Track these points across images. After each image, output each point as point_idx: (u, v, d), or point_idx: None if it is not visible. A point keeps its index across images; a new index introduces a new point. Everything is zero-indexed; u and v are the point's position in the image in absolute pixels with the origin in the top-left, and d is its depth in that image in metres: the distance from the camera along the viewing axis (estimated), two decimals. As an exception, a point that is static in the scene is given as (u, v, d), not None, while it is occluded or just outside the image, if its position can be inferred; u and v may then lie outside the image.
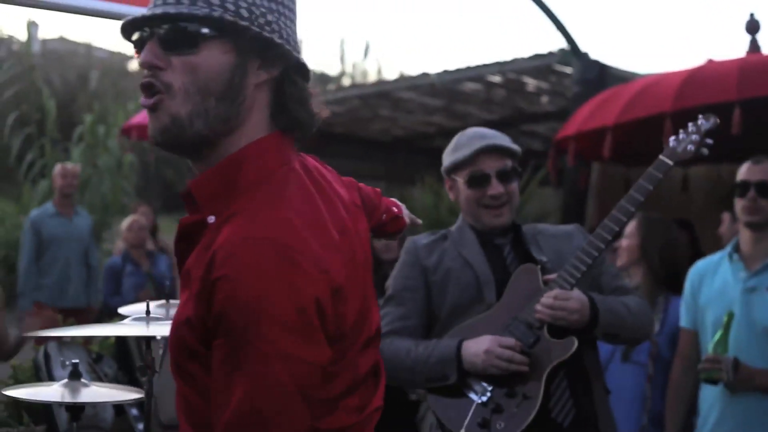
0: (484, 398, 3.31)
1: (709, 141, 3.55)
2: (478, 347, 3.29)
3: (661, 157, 3.53)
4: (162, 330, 3.04)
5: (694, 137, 3.54)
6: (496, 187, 3.44)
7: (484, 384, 3.32)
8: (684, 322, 4.41)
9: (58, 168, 9.02)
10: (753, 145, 7.08)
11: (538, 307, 3.30)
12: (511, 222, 3.53)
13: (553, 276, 3.36)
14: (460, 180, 3.52)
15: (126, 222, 9.13)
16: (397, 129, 12.67)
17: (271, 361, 1.64)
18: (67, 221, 8.97)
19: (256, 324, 1.63)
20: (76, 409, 3.82)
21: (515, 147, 3.52)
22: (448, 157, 3.58)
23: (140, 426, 4.73)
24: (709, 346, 4.01)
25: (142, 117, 12.56)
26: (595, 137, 6.44)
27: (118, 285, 8.74)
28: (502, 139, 3.52)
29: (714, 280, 4.17)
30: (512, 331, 3.34)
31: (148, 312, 3.13)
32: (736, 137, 5.77)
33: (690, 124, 3.57)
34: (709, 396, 4.16)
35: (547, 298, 3.30)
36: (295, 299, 1.65)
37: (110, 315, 8.02)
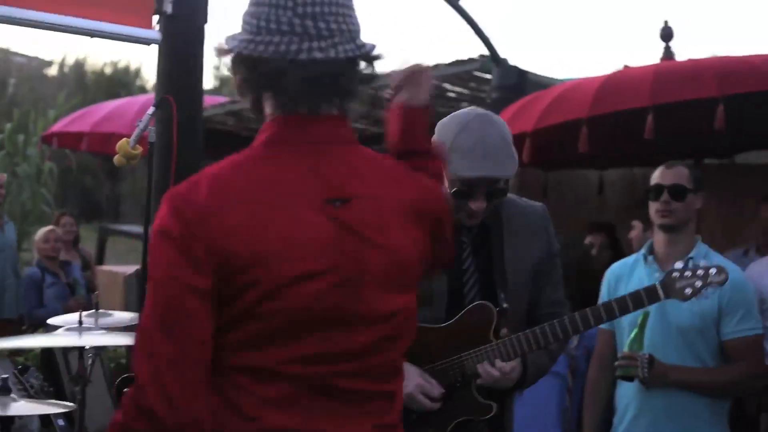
0: None
1: (708, 293, 3.61)
2: (405, 382, 3.26)
3: (656, 284, 3.57)
4: (94, 340, 3.06)
5: (698, 283, 3.53)
6: (479, 204, 3.25)
7: None
8: None
9: None
10: (665, 150, 7.33)
11: (482, 371, 3.27)
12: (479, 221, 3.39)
13: (506, 333, 3.31)
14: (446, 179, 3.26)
15: (42, 232, 9.03)
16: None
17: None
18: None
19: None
20: (5, 422, 3.85)
21: (512, 169, 3.30)
22: (444, 143, 3.25)
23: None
24: (624, 345, 4.14)
25: (62, 125, 12.50)
26: (514, 143, 6.53)
27: (40, 296, 8.65)
28: (501, 165, 3.25)
29: (630, 281, 4.26)
30: (446, 371, 3.32)
31: (80, 322, 3.15)
32: (650, 141, 5.93)
33: (701, 265, 3.59)
34: (626, 393, 4.26)
35: (495, 371, 3.26)
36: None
37: (34, 326, 7.98)
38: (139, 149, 4.12)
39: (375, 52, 2.12)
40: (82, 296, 8.35)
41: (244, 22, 2.09)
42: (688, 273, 3.57)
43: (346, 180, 2.08)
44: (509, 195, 3.47)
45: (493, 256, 3.42)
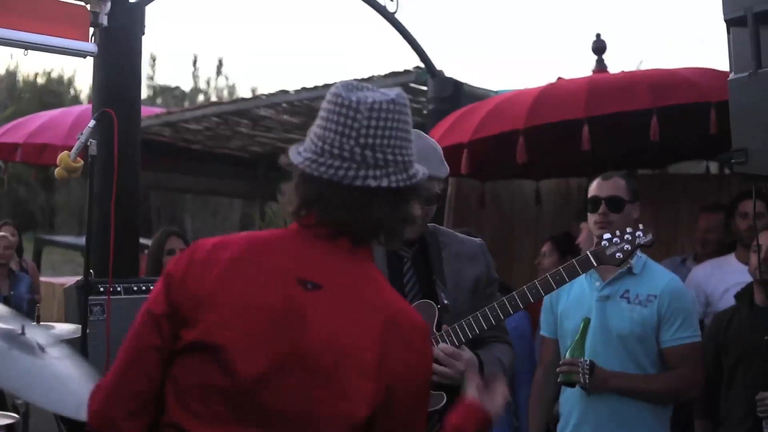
0: None
1: (640, 255, 3.70)
2: None
3: (588, 253, 3.68)
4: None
5: (626, 247, 3.67)
6: (416, 210, 3.36)
7: None
8: (544, 330, 4.59)
9: None
10: (601, 160, 7.45)
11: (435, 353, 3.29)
12: (419, 234, 3.51)
13: (447, 327, 3.40)
14: None
15: None
16: (256, 146, 12.70)
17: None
18: None
19: None
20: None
21: (443, 172, 3.44)
22: None
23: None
24: (566, 351, 4.21)
25: (-1, 137, 12.34)
26: (451, 154, 6.59)
27: None
28: (432, 167, 3.26)
29: (571, 290, 4.33)
30: None
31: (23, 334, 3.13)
32: (585, 152, 6.02)
33: (628, 232, 3.71)
34: (570, 398, 4.33)
35: (438, 351, 3.33)
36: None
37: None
38: (80, 162, 4.13)
39: (422, 180, 2.25)
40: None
41: (310, 140, 2.21)
42: (616, 240, 3.70)
43: (325, 271, 2.19)
44: (447, 229, 3.67)
45: (433, 267, 3.50)
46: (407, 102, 2.25)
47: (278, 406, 2.09)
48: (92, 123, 4.23)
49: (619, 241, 3.73)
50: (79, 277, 4.96)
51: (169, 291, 2.18)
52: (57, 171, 4.12)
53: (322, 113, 2.22)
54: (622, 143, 7.45)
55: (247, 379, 2.08)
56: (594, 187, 4.37)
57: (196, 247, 2.25)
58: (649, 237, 3.74)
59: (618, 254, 3.72)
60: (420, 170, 2.25)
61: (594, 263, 3.68)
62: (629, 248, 3.71)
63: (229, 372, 2.08)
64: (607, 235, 3.79)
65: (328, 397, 2.09)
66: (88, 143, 4.18)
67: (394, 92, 2.23)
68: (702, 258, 6.30)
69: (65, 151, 4.11)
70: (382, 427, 2.16)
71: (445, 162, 3.48)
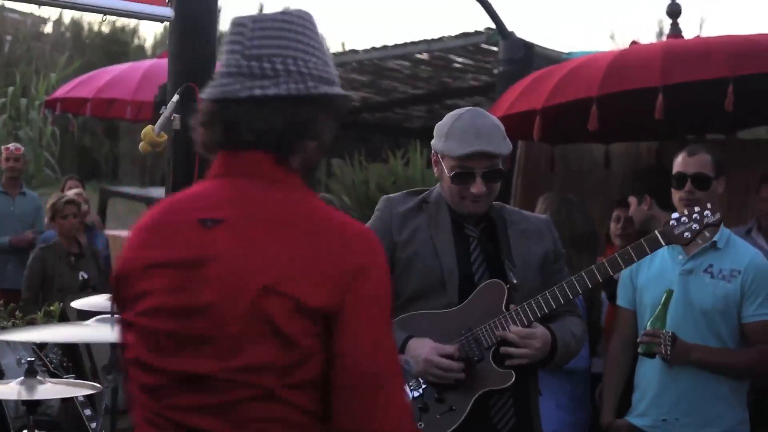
0: (416, 393, 3.39)
1: (708, 234, 3.70)
2: (419, 351, 3.34)
3: (656, 232, 3.68)
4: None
5: (694, 226, 3.68)
6: (479, 187, 3.39)
7: (420, 380, 3.40)
8: (622, 301, 4.60)
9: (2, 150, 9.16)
10: (671, 125, 7.39)
11: (509, 336, 3.36)
12: (485, 211, 3.53)
13: (515, 307, 3.42)
14: (446, 168, 3.46)
15: (51, 201, 8.45)
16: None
17: None
18: (10, 201, 8.99)
19: None
20: (32, 404, 3.93)
21: (505, 149, 3.46)
22: (438, 139, 3.49)
23: (87, 411, 4.81)
24: (647, 323, 4.21)
25: (66, 90, 12.51)
26: (524, 119, 6.60)
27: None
28: (494, 143, 3.41)
29: (652, 263, 4.32)
30: (462, 343, 3.41)
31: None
32: (656, 119, 5.97)
33: (696, 210, 3.70)
34: (647, 372, 4.35)
35: (510, 334, 3.37)
36: None
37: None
38: (164, 136, 4.19)
39: (332, 94, 2.17)
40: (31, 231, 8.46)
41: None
42: (684, 219, 3.70)
43: (226, 208, 2.12)
44: (512, 207, 3.71)
45: (501, 245, 3.52)
46: (308, 18, 2.19)
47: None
48: (175, 98, 4.29)
49: (687, 220, 3.72)
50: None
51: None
52: (141, 145, 4.18)
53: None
54: (695, 110, 7.36)
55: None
56: (679, 163, 4.34)
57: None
58: (717, 216, 3.74)
59: (686, 234, 3.72)
60: (333, 89, 2.18)
61: (662, 243, 3.68)
62: (697, 228, 3.71)
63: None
64: (675, 215, 3.79)
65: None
66: (172, 118, 4.23)
67: (293, 8, 2.19)
68: (766, 228, 6.26)
69: (149, 126, 4.17)
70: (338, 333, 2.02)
71: (508, 139, 3.48)
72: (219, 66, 2.18)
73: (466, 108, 3.52)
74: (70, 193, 8.40)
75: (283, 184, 2.15)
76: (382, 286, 2.09)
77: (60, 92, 12.73)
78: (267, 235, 2.06)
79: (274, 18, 2.15)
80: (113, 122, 18.53)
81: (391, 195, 3.65)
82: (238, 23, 2.16)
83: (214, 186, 2.17)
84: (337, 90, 2.18)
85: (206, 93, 2.15)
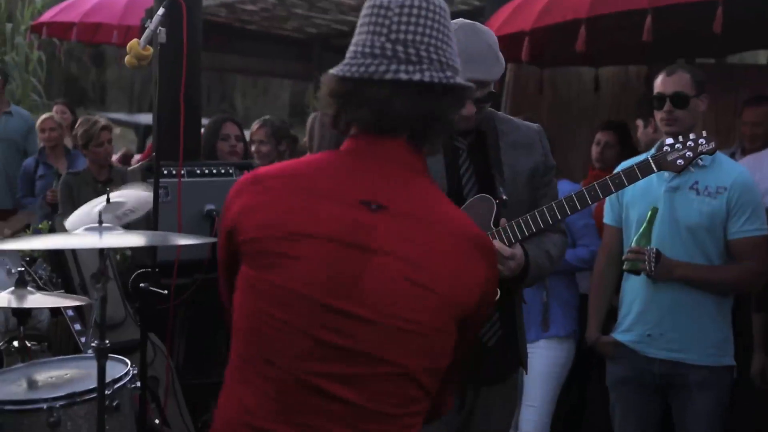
0: None
1: (700, 161, 3.70)
2: None
3: (649, 158, 3.67)
4: (115, 240, 3.14)
5: (688, 154, 3.65)
6: (469, 109, 3.35)
7: None
8: (608, 219, 4.66)
9: None
10: (660, 49, 7.36)
11: None
12: (474, 126, 3.47)
13: (504, 223, 3.38)
14: None
15: (38, 122, 8.85)
16: (312, 27, 12.65)
17: None
18: None
19: None
20: (23, 315, 3.97)
21: (496, 72, 3.39)
22: None
23: (76, 326, 4.85)
24: (632, 240, 4.26)
25: (51, 14, 12.41)
26: (512, 41, 6.57)
27: (31, 187, 8.60)
28: (484, 69, 3.35)
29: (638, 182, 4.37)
30: None
31: (100, 222, 3.21)
32: (646, 41, 5.95)
33: (691, 138, 3.69)
34: (633, 288, 4.42)
35: None
36: None
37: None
38: (150, 50, 4.17)
39: (462, 84, 2.21)
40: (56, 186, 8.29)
41: (347, 52, 2.21)
42: (678, 146, 3.71)
43: (386, 193, 2.17)
44: (505, 115, 3.64)
45: (490, 158, 3.48)
46: (446, 8, 2.24)
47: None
48: (161, 11, 4.25)
49: (681, 147, 3.73)
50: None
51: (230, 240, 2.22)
52: (127, 59, 4.15)
53: (358, 25, 2.23)
54: (684, 34, 7.34)
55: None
56: (658, 83, 4.36)
57: (245, 183, 2.24)
58: (712, 145, 3.73)
59: (679, 161, 3.72)
60: (463, 79, 2.22)
61: (654, 169, 3.67)
62: (690, 155, 3.71)
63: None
64: (669, 140, 3.79)
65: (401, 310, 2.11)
66: (158, 31, 4.21)
67: None
68: (749, 151, 6.27)
69: (135, 39, 4.14)
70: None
71: (501, 57, 3.42)
72: (354, 45, 2.20)
73: (460, 23, 3.38)
74: (102, 120, 8.09)
75: (423, 175, 2.23)
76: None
77: (45, 17, 12.63)
78: (424, 230, 2.14)
79: (420, 5, 2.17)
80: (99, 48, 18.39)
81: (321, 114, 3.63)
82: (381, 5, 2.18)
83: (358, 165, 2.19)
84: (465, 82, 2.22)
85: (342, 69, 2.16)
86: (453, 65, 2.20)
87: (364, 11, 2.22)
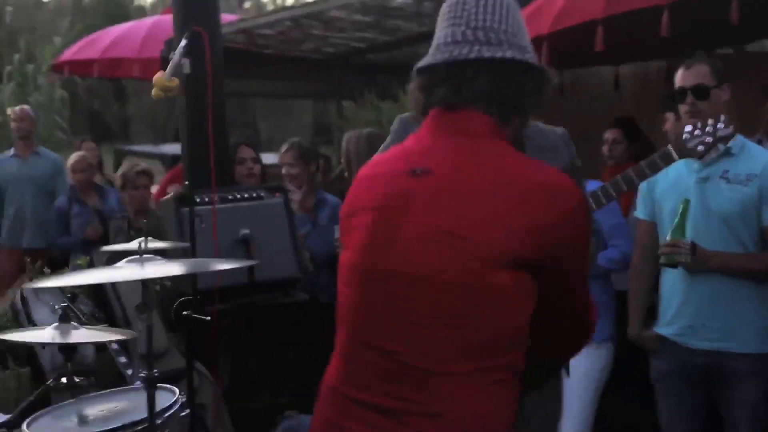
0: None
1: (721, 147, 3.70)
2: None
3: (669, 146, 3.69)
4: (158, 270, 3.18)
5: (708, 139, 3.68)
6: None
7: None
8: (641, 213, 4.68)
9: (9, 112, 9.16)
10: (678, 42, 7.35)
11: None
12: None
13: None
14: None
15: (71, 160, 8.86)
16: (329, 47, 12.70)
17: None
18: (21, 163, 9.05)
19: None
20: (68, 350, 4.01)
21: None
22: None
23: (122, 359, 4.89)
24: (667, 233, 4.27)
25: (71, 53, 12.54)
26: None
27: (66, 226, 8.61)
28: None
29: (668, 173, 4.33)
30: None
31: (141, 253, 3.26)
32: (664, 37, 5.96)
33: (709, 123, 3.71)
34: (671, 281, 4.43)
35: None
36: None
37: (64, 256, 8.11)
38: (176, 81, 4.23)
39: (543, 68, 2.38)
40: (98, 224, 8.34)
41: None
42: (697, 132, 3.73)
43: (436, 158, 2.31)
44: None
45: None
46: (515, 2, 2.42)
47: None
48: (184, 42, 4.32)
49: (700, 133, 3.75)
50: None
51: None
52: (154, 92, 4.21)
53: (438, 23, 2.41)
54: (701, 25, 7.33)
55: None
56: (679, 77, 4.38)
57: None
58: (731, 129, 3.76)
59: (699, 147, 3.74)
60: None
61: (675, 157, 3.69)
62: (711, 140, 3.74)
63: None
64: (688, 128, 3.82)
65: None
66: (182, 62, 4.27)
67: None
68: (770, 140, 6.28)
69: (159, 72, 4.20)
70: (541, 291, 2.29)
71: None
72: (437, 40, 2.38)
73: None
74: (141, 165, 8.09)
75: (489, 139, 2.32)
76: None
77: (66, 55, 12.77)
78: (467, 185, 2.23)
79: None
80: (120, 84, 18.52)
81: (404, 114, 3.66)
82: (458, 1, 2.39)
83: (427, 140, 2.37)
84: (543, 65, 2.39)
85: (427, 60, 2.35)
86: (530, 51, 2.39)
87: (442, 11, 2.41)
